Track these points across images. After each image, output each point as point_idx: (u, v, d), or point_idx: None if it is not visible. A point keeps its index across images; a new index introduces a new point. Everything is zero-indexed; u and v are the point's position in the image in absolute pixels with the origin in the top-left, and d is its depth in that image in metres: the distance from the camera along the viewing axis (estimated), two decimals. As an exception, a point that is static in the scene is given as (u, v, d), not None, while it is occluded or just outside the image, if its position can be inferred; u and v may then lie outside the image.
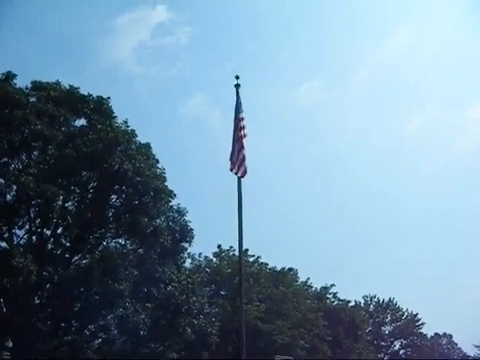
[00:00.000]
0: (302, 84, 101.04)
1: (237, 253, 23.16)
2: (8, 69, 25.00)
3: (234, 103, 16.88)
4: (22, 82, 25.41)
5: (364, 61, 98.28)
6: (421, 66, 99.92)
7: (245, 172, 16.23)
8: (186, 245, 27.39)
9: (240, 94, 16.95)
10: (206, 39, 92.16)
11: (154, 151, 27.03)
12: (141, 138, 26.87)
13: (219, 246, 41.00)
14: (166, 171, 27.09)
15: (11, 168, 24.69)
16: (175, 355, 25.85)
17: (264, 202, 71.72)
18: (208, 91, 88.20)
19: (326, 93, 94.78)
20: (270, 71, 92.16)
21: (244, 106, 16.97)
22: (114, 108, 26.66)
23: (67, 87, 26.27)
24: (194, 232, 27.25)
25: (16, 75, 24.95)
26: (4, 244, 24.27)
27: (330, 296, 52.84)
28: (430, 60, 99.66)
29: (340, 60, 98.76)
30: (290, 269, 45.42)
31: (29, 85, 25.72)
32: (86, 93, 26.27)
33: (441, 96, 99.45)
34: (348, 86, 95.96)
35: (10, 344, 24.52)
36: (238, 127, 16.48)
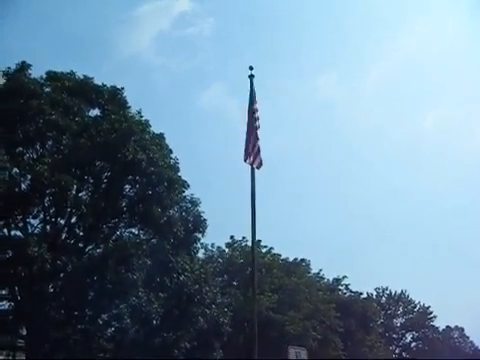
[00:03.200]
0: (320, 77, 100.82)
1: (250, 244, 23.21)
2: (27, 61, 25.16)
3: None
4: (37, 73, 25.58)
5: (381, 55, 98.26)
6: (438, 61, 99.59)
7: (261, 163, 16.29)
8: (199, 235, 27.37)
9: (260, 85, 17.01)
10: (228, 30, 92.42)
11: (168, 141, 27.10)
12: (159, 128, 26.99)
13: (232, 237, 41.14)
14: (180, 161, 27.13)
15: (26, 158, 24.82)
16: (187, 344, 25.94)
17: (278, 193, 71.99)
18: (227, 82, 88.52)
19: (343, 86, 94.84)
20: (290, 63, 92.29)
21: (263, 97, 16.98)
22: (133, 98, 26.78)
23: (81, 77, 26.35)
24: (207, 222, 27.27)
25: (31, 65, 25.05)
26: (19, 233, 24.47)
27: (342, 288, 52.93)
28: (447, 55, 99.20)
29: (357, 54, 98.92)
30: (302, 260, 45.48)
31: (44, 75, 25.85)
32: (101, 83, 26.38)
33: (458, 92, 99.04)
34: (365, 80, 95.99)
35: (24, 332, 24.77)
36: (252, 118, 16.50)
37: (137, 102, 27.44)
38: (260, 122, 16.85)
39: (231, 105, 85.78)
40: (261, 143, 16.64)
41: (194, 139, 79.23)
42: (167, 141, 27.01)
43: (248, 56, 75.60)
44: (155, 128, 26.83)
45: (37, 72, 25.63)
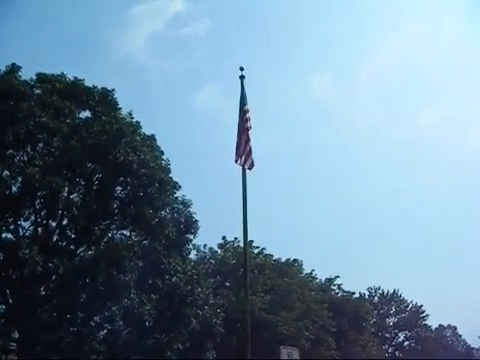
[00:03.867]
0: (314, 77, 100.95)
1: (242, 244, 23.20)
2: (19, 63, 25.09)
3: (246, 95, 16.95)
4: (29, 74, 25.53)
5: (375, 54, 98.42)
6: (433, 60, 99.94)
7: (252, 164, 16.30)
8: (191, 236, 27.38)
9: (256, 85, 17.02)
10: (222, 31, 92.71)
11: (162, 142, 27.19)
12: (153, 129, 27.07)
13: (224, 237, 41.12)
14: (174, 162, 27.19)
15: (16, 160, 24.74)
16: (180, 346, 25.93)
17: (270, 193, 72.03)
18: (221, 83, 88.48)
19: (337, 85, 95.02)
20: (284, 63, 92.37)
21: (258, 97, 17.00)
22: (127, 99, 26.76)
23: (72, 79, 26.27)
24: (199, 224, 27.26)
25: (21, 67, 24.97)
26: (10, 236, 24.40)
27: (335, 288, 52.89)
28: (442, 55, 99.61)
29: (351, 53, 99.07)
30: (295, 260, 45.48)
31: (34, 77, 25.77)
32: (91, 85, 26.34)
33: (454, 91, 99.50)
34: (359, 79, 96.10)
35: (16, 335, 24.67)
36: (243, 119, 16.50)
37: (131, 103, 27.52)
38: (254, 122, 16.86)
39: (225, 106, 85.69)
40: (255, 143, 16.67)
41: (187, 140, 79.26)
42: (161, 142, 27.14)
43: (243, 56, 75.61)
44: (149, 129, 26.94)
45: (31, 73, 25.68)
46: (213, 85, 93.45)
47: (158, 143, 26.87)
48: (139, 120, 26.46)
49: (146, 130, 26.69)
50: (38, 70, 26.06)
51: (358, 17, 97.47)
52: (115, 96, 26.39)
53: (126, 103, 26.96)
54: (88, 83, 26.37)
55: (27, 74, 25.34)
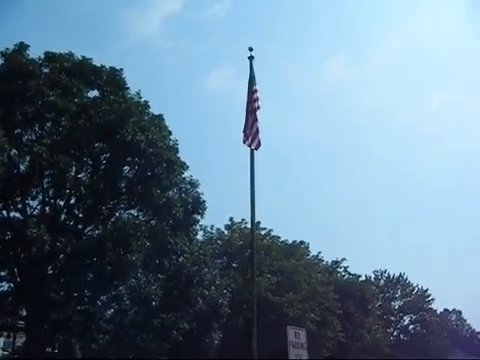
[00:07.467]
0: (328, 61, 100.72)
1: (249, 226, 23.19)
2: (32, 45, 25.12)
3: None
4: (37, 54, 25.44)
5: (388, 39, 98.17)
6: (444, 46, 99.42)
7: (259, 144, 16.20)
8: (198, 217, 27.36)
9: (268, 69, 16.95)
10: (241, 13, 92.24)
11: (172, 123, 27.12)
12: (163, 110, 26.93)
13: (231, 218, 41.18)
14: (180, 143, 27.04)
15: (24, 139, 24.80)
16: (186, 325, 26.07)
17: (278, 175, 72.01)
18: (234, 65, 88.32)
19: (351, 70, 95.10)
20: (299, 46, 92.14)
21: (270, 80, 16.94)
22: (139, 81, 26.64)
23: (80, 58, 26.17)
24: (206, 204, 27.26)
25: (29, 46, 24.94)
26: (18, 215, 24.47)
27: (341, 270, 52.89)
28: (452, 41, 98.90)
29: (365, 38, 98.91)
30: (301, 242, 45.45)
31: (42, 56, 25.68)
32: (99, 64, 26.25)
33: (463, 77, 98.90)
34: (372, 63, 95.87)
35: (24, 313, 24.85)
36: (252, 99, 16.41)
37: (143, 84, 27.48)
38: (266, 104, 16.83)
39: (237, 87, 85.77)
40: (266, 125, 16.64)
41: (197, 120, 79.37)
42: (171, 122, 27.13)
43: (259, 39, 75.60)
44: (160, 110, 26.94)
45: (41, 52, 25.59)
46: (227, 67, 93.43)
47: (167, 123, 26.85)
48: (148, 100, 26.45)
49: (158, 110, 26.72)
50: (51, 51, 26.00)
51: (373, 3, 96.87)
52: (123, 76, 26.35)
53: (138, 84, 26.96)
54: (101, 63, 26.39)
55: (37, 54, 25.33)
